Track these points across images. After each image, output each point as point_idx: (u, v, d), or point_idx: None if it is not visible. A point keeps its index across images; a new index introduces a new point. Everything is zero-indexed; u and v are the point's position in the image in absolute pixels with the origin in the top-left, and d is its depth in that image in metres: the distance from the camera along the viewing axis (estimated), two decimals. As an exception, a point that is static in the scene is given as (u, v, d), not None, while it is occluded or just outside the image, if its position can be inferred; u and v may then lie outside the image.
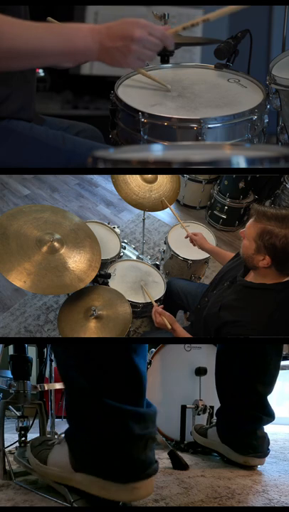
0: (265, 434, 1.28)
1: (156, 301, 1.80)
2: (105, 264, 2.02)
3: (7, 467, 1.04)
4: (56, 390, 1.56)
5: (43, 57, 0.95)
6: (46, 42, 0.93)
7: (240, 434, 1.25)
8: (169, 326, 1.41)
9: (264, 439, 1.26)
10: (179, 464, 1.21)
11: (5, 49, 0.90)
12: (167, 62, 1.40)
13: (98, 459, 0.78)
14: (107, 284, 1.68)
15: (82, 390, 0.81)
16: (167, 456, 1.23)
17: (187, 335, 1.42)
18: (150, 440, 0.80)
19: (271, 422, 1.27)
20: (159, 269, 2.19)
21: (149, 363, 1.56)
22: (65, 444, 0.86)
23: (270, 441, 1.29)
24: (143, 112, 1.12)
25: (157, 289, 1.97)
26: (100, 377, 0.80)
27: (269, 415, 1.26)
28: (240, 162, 0.71)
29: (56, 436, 1.31)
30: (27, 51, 0.92)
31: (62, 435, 0.90)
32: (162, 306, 1.54)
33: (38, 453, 0.94)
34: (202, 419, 1.49)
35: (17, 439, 1.17)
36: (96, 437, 0.79)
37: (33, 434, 1.21)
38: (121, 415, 0.78)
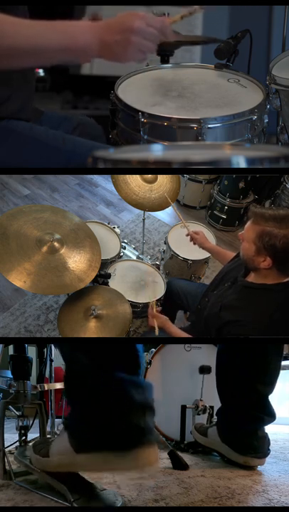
0: (266, 434, 1.28)
1: (156, 301, 1.80)
2: (105, 264, 2.02)
3: (7, 467, 1.04)
4: (56, 390, 1.56)
5: (43, 55, 0.95)
6: (47, 39, 0.93)
7: (240, 434, 1.25)
8: (157, 333, 1.41)
9: (264, 440, 1.26)
10: (179, 464, 1.21)
11: (6, 47, 0.90)
12: (167, 62, 1.40)
13: (98, 433, 0.80)
14: (107, 284, 1.68)
15: (81, 363, 0.84)
16: (167, 456, 1.23)
17: (183, 334, 1.42)
18: (148, 409, 0.82)
19: (272, 422, 1.27)
20: (159, 269, 2.19)
21: (149, 363, 1.56)
22: (64, 432, 0.87)
23: (270, 441, 1.29)
24: (143, 112, 1.12)
25: (157, 289, 1.97)
26: (97, 350, 0.83)
27: (270, 415, 1.26)
28: (240, 162, 0.71)
29: (56, 436, 1.31)
30: (28, 49, 0.92)
31: (61, 426, 0.91)
32: (160, 308, 1.54)
33: (40, 450, 0.95)
34: (202, 419, 1.49)
35: (17, 438, 1.17)
36: (95, 409, 0.81)
37: (33, 434, 1.21)
38: (119, 381, 0.80)
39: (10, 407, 1.13)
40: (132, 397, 0.79)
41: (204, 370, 1.53)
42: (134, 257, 2.32)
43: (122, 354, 0.84)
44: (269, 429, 1.29)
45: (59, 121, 1.37)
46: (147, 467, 0.81)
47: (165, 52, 1.37)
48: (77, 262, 1.44)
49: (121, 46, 0.96)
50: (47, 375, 1.63)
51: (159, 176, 2.03)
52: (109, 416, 0.79)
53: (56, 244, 1.42)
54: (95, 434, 0.80)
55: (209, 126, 1.09)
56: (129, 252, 2.37)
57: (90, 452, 0.80)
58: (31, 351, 1.63)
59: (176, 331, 1.43)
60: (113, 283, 1.86)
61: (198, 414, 1.48)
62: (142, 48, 0.98)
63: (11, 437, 1.17)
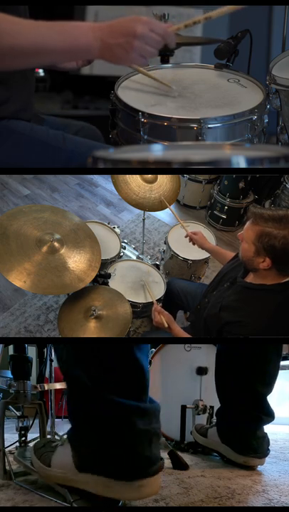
0: (265, 434, 1.28)
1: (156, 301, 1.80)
2: (105, 264, 2.02)
3: (7, 467, 1.04)
4: (56, 390, 1.56)
5: (44, 55, 0.95)
6: (48, 39, 0.92)
7: (240, 434, 1.25)
8: (166, 325, 1.41)
9: (264, 440, 1.26)
10: (179, 464, 1.21)
11: (7, 47, 0.89)
12: (167, 62, 1.40)
13: (102, 458, 0.78)
14: (107, 284, 1.68)
15: (84, 386, 0.81)
16: (167, 456, 1.23)
17: (185, 334, 1.42)
18: (154, 436, 0.80)
19: (271, 421, 1.27)
20: (159, 269, 2.19)
21: (149, 363, 1.56)
22: (68, 445, 0.86)
23: (270, 441, 1.29)
24: (143, 112, 1.12)
25: (157, 289, 1.97)
26: (102, 373, 0.80)
27: (269, 415, 1.26)
28: (240, 162, 0.71)
29: (58, 437, 1.31)
30: (29, 49, 0.92)
31: (65, 436, 0.89)
32: (161, 305, 1.54)
33: (42, 455, 0.94)
34: (202, 419, 1.49)
35: (17, 439, 1.17)
36: (100, 434, 0.79)
37: (33, 434, 1.21)
38: (124, 410, 0.77)
39: (10, 407, 1.13)
40: (138, 427, 0.77)
41: (202, 371, 1.53)
42: (134, 257, 2.32)
43: (128, 377, 0.81)
44: (269, 429, 1.29)
45: (59, 128, 1.37)
46: (148, 496, 0.80)
47: (165, 52, 1.37)
48: (77, 262, 1.44)
49: (123, 49, 0.96)
50: (47, 375, 1.63)
51: (159, 175, 2.03)
52: (113, 443, 0.77)
53: (56, 244, 1.42)
54: (100, 459, 0.78)
55: (209, 126, 1.09)
56: (129, 252, 2.37)
57: (92, 474, 0.78)
58: (31, 351, 1.63)
59: (179, 329, 1.43)
60: (113, 283, 1.86)
61: (198, 415, 1.48)
62: (144, 53, 0.98)
63: (11, 437, 1.17)
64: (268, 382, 1.27)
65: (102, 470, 0.77)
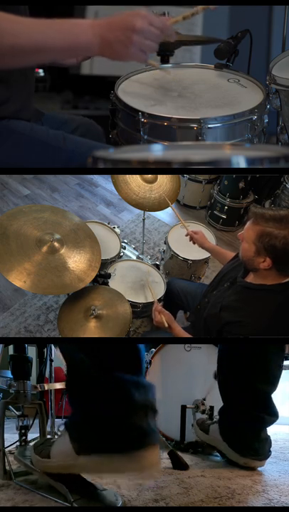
0: (268, 436, 1.27)
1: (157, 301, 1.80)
2: (105, 264, 2.02)
3: (7, 467, 1.04)
4: (56, 390, 1.56)
5: (44, 53, 0.95)
6: (48, 37, 0.92)
7: (242, 434, 1.24)
8: (166, 325, 1.41)
9: (266, 442, 1.26)
10: (179, 464, 1.21)
11: (8, 46, 0.89)
12: (167, 62, 1.40)
13: (100, 434, 0.79)
14: (107, 284, 1.68)
15: (82, 363, 0.83)
16: (167, 456, 1.23)
17: (186, 334, 1.42)
18: (150, 410, 0.82)
19: (275, 421, 1.27)
20: (159, 269, 2.19)
21: (149, 363, 1.56)
22: (66, 433, 0.87)
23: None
24: (143, 112, 1.12)
25: (157, 289, 1.97)
26: (99, 351, 0.83)
27: (272, 415, 1.26)
28: (240, 162, 0.71)
29: (57, 437, 1.31)
30: (30, 48, 0.92)
31: (62, 427, 0.90)
32: (162, 304, 1.54)
33: (41, 451, 0.95)
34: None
35: (17, 438, 1.17)
36: (97, 409, 0.80)
37: (33, 434, 1.21)
38: (121, 382, 0.80)
39: (10, 407, 1.13)
40: (134, 398, 0.79)
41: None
42: (134, 257, 2.32)
43: (124, 354, 0.84)
44: (269, 429, 1.29)
45: (59, 124, 1.37)
46: (149, 468, 0.81)
47: (165, 52, 1.37)
48: (77, 262, 1.44)
49: (122, 44, 0.95)
50: (47, 375, 1.63)
51: (159, 175, 2.03)
52: (110, 417, 0.78)
53: (56, 244, 1.42)
54: (97, 435, 0.79)
55: (209, 126, 1.09)
56: (129, 252, 2.37)
57: (92, 454, 0.80)
58: (31, 351, 1.63)
59: (180, 329, 1.43)
60: (113, 283, 1.86)
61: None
62: (144, 47, 0.97)
63: (11, 437, 1.17)
64: (270, 382, 1.26)
65: (101, 447, 0.79)
